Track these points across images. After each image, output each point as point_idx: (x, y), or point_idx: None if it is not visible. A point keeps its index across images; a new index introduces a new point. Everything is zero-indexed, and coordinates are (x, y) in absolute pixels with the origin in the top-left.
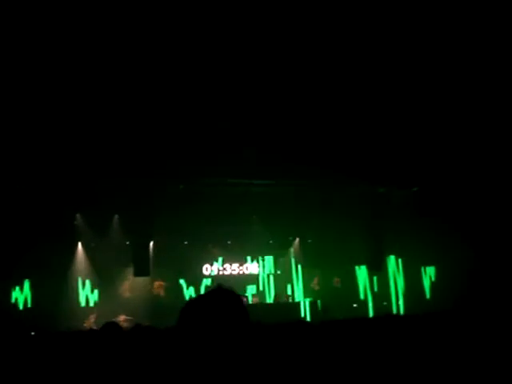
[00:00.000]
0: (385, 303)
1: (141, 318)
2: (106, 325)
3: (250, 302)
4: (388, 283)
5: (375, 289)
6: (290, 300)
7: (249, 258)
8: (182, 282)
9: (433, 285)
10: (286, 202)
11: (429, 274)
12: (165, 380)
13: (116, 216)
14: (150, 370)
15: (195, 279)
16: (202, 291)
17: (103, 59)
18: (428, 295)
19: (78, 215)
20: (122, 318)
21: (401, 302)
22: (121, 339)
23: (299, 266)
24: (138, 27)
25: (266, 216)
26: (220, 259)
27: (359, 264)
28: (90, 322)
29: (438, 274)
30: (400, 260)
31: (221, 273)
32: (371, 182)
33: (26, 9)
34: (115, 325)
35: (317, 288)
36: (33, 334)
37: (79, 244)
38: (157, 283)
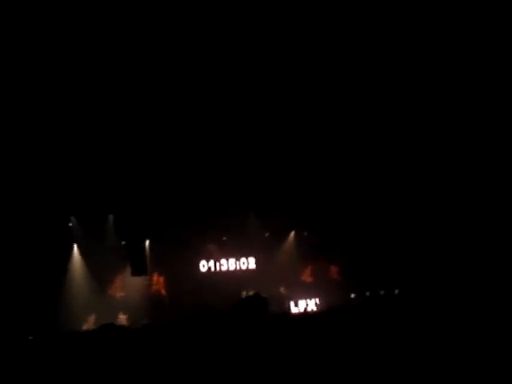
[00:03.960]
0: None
1: (141, 316)
2: (103, 326)
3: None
4: None
5: None
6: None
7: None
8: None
9: None
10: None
11: None
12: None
13: (111, 216)
14: (158, 368)
15: (192, 275)
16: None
17: None
18: None
19: (72, 217)
20: (122, 317)
21: None
22: (122, 339)
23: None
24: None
25: (262, 209)
26: (216, 255)
27: None
28: (90, 324)
29: None
30: None
31: (218, 269)
32: None
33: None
34: (113, 325)
35: (309, 280)
36: (31, 338)
37: (75, 246)
38: (155, 279)
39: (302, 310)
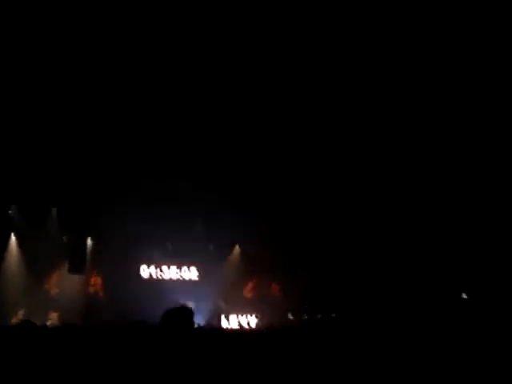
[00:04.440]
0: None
1: (73, 316)
2: (22, 323)
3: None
4: None
5: None
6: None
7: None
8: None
9: None
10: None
11: None
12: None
13: (54, 209)
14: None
15: (132, 279)
16: (139, 292)
17: None
18: None
19: (13, 205)
20: (53, 314)
21: None
22: (37, 339)
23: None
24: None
25: (208, 220)
26: (158, 261)
27: None
28: (19, 318)
29: None
30: None
31: (158, 275)
32: None
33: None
34: (31, 323)
35: (250, 295)
36: None
37: (12, 235)
38: (93, 279)
39: (233, 325)
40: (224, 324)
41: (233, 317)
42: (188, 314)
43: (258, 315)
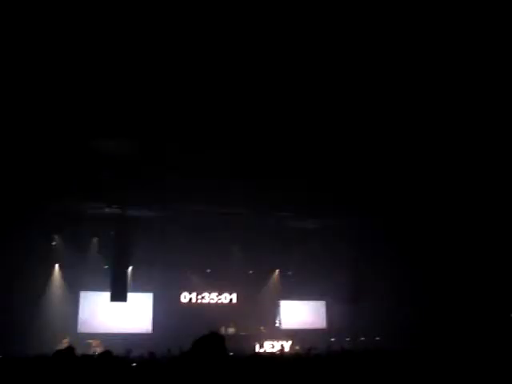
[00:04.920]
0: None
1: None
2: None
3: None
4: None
5: None
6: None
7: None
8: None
9: None
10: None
11: None
12: None
13: (95, 239)
14: None
15: (173, 305)
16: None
17: None
18: None
19: (56, 236)
20: (95, 342)
21: None
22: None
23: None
24: None
25: (246, 246)
26: (198, 288)
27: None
28: (64, 346)
29: None
30: None
31: (199, 301)
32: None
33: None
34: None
35: None
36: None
37: (56, 266)
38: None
39: (267, 350)
40: (258, 349)
41: (267, 343)
42: (219, 340)
43: (294, 341)
